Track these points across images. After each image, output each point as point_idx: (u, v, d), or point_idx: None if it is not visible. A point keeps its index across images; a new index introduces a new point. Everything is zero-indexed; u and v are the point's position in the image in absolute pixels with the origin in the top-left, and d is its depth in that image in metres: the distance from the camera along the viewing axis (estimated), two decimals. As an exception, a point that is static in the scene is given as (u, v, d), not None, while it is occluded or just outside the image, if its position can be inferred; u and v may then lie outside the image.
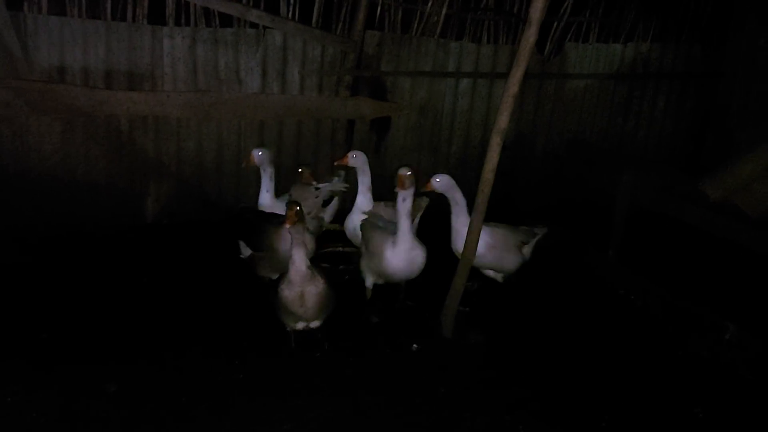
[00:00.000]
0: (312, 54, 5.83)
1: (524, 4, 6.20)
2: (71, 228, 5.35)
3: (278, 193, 4.98)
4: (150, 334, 3.99)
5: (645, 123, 7.31)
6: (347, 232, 4.84)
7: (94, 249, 5.13)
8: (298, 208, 3.57)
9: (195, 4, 5.40)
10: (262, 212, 4.75)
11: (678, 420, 3.50)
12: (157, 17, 5.37)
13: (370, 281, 4.36)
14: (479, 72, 6.42)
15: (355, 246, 4.83)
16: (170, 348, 3.85)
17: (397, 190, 4.07)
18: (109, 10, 5.22)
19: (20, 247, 4.98)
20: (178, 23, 5.43)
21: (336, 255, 5.16)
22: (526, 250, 4.59)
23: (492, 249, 4.37)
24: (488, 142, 3.79)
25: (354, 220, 4.72)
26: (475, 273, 4.54)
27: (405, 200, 4.07)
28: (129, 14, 5.28)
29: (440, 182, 4.32)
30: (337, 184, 4.93)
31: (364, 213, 4.59)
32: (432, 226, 4.62)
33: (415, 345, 4.06)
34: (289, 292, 3.61)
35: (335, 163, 4.80)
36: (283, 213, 4.49)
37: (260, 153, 4.78)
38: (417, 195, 4.52)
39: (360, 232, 4.53)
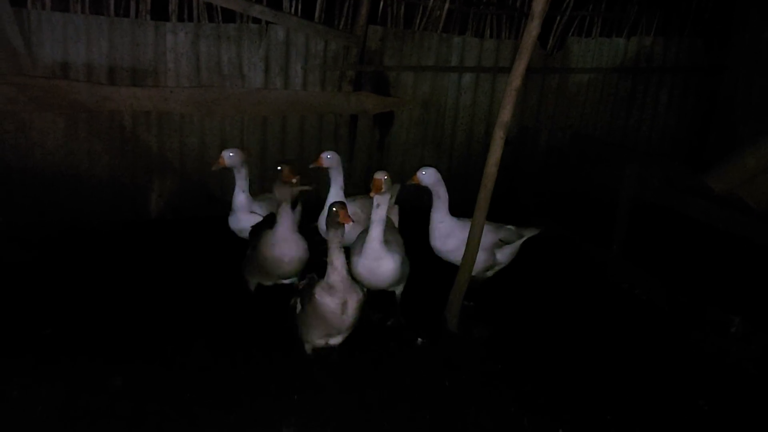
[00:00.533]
0: (315, 49, 5.82)
1: (527, -2, 6.20)
2: (75, 224, 5.37)
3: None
4: (155, 330, 3.99)
5: (648, 117, 7.30)
6: (322, 233, 4.60)
7: (99, 245, 5.13)
8: (343, 210, 3.27)
9: (198, 0, 5.40)
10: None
11: (683, 413, 3.50)
12: (160, 13, 5.37)
13: None
14: (482, 66, 6.41)
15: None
16: (175, 344, 3.85)
17: (372, 194, 3.86)
18: (112, 6, 5.23)
19: (25, 243, 4.99)
20: (181, 19, 5.43)
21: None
22: (505, 252, 4.45)
23: (464, 245, 4.17)
24: (491, 137, 3.79)
25: (323, 218, 4.44)
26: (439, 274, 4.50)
27: (379, 206, 3.85)
28: (132, 10, 5.29)
29: (426, 175, 4.23)
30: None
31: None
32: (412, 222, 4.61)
33: (420, 339, 4.06)
34: (330, 301, 3.27)
35: (310, 166, 4.59)
36: (260, 214, 4.53)
37: (231, 154, 4.52)
38: (403, 187, 4.55)
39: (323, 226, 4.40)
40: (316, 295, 3.29)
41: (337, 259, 3.28)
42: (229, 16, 5.53)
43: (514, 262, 4.64)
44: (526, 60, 3.62)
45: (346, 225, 3.27)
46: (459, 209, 4.88)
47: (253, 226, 4.34)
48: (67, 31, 5.18)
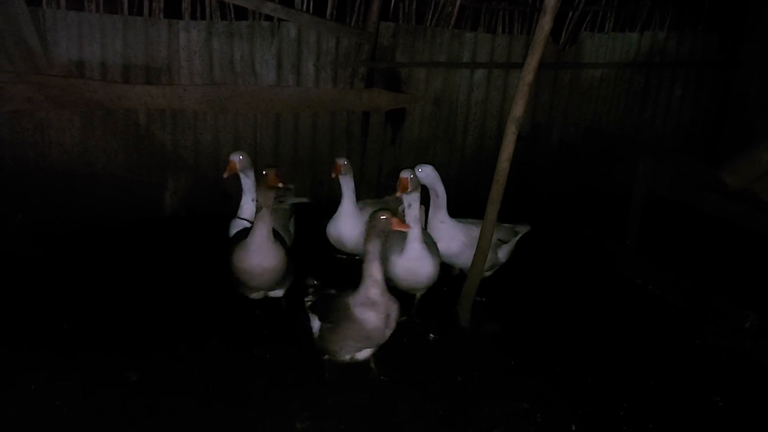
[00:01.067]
0: (326, 46, 5.84)
1: (539, -6, 6.18)
2: (92, 221, 5.43)
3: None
4: (169, 325, 4.04)
5: (662, 112, 7.25)
6: (331, 239, 4.61)
7: (114, 241, 5.19)
8: (395, 218, 3.15)
9: (210, -2, 5.44)
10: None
11: (696, 408, 3.49)
12: (173, 11, 5.41)
13: None
14: (494, 62, 6.40)
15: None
16: (189, 339, 3.90)
17: (398, 194, 3.84)
18: (126, 5, 5.26)
19: (41, 240, 5.06)
20: (193, 17, 5.46)
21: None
22: (504, 250, 4.45)
23: (466, 248, 4.22)
24: (504, 133, 3.79)
25: (340, 227, 4.51)
26: (448, 270, 4.52)
27: (411, 205, 3.85)
28: (145, 9, 5.33)
29: (423, 173, 4.16)
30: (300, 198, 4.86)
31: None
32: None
33: (432, 335, 4.07)
34: (374, 317, 3.12)
35: (333, 175, 4.44)
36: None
37: (240, 157, 4.26)
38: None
39: (346, 236, 4.44)
40: (356, 313, 3.11)
41: (377, 271, 3.11)
42: (241, 13, 5.56)
43: (525, 258, 4.64)
44: (539, 55, 3.61)
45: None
46: (471, 206, 4.90)
47: (231, 236, 4.13)
48: (82, 30, 5.23)
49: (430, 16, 6.09)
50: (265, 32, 5.65)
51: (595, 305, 4.59)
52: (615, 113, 7.07)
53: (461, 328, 4.15)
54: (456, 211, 4.51)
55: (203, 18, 5.48)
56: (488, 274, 4.45)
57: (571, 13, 6.46)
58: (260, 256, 3.58)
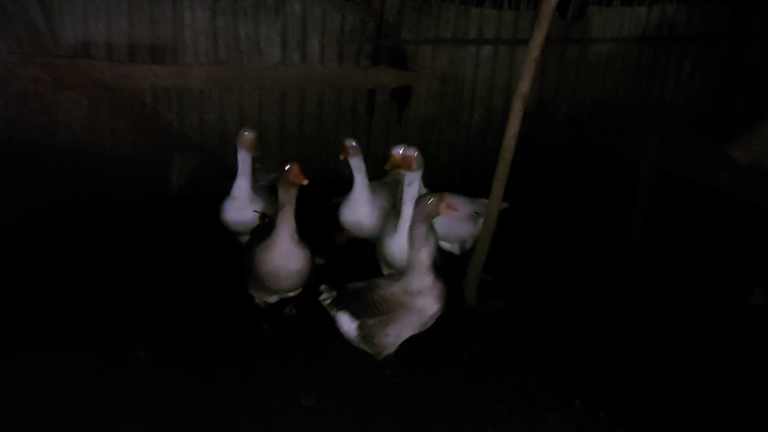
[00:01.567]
0: (332, 23, 5.80)
1: (547, -32, 6.07)
2: (100, 201, 5.45)
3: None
4: (177, 303, 4.08)
5: (671, 87, 7.16)
6: (348, 224, 4.48)
7: (122, 221, 5.23)
8: (444, 201, 3.11)
9: (214, -24, 5.41)
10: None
11: (702, 384, 3.50)
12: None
13: (385, 269, 4.16)
14: (501, 38, 6.33)
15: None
16: (198, 316, 3.94)
17: (402, 172, 3.80)
18: (130, -16, 5.25)
19: (51, 219, 5.10)
20: (198, -5, 5.44)
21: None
22: (480, 223, 4.35)
23: (451, 227, 4.20)
24: (510, 110, 3.77)
25: (358, 212, 4.36)
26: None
27: (411, 184, 3.77)
28: (150, -13, 5.31)
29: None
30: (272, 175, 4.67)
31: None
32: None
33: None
34: (430, 301, 3.13)
35: (341, 157, 4.29)
36: (257, 209, 4.16)
37: (247, 134, 4.25)
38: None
39: (365, 221, 4.35)
40: (414, 302, 3.10)
41: (426, 257, 3.07)
42: (245, -9, 5.53)
43: (531, 236, 4.62)
44: (545, 30, 3.58)
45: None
46: (477, 183, 4.88)
47: (252, 231, 3.98)
48: (88, 10, 5.22)
49: (435, -8, 6.03)
50: (270, 10, 5.62)
51: (601, 282, 4.60)
52: (623, 89, 6.99)
53: (467, 305, 4.17)
54: (461, 188, 4.51)
55: (207, -4, 5.46)
56: (468, 246, 4.44)
57: (579, -12, 6.37)
58: (286, 258, 3.44)
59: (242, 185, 4.26)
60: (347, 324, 3.29)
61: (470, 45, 6.29)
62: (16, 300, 4.03)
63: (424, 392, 3.34)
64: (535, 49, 3.63)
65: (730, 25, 7.06)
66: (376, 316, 3.16)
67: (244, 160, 4.27)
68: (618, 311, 4.22)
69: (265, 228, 3.70)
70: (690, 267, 4.56)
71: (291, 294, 3.75)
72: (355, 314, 3.25)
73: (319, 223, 4.92)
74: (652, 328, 4.02)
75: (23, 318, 3.84)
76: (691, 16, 6.90)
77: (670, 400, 3.35)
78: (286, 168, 3.36)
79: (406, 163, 3.80)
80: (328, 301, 3.39)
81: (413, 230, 3.10)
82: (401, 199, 3.86)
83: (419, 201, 3.12)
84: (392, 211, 4.14)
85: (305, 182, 3.36)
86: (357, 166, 4.29)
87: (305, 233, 3.54)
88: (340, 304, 3.33)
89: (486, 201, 4.44)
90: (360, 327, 3.23)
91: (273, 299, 3.78)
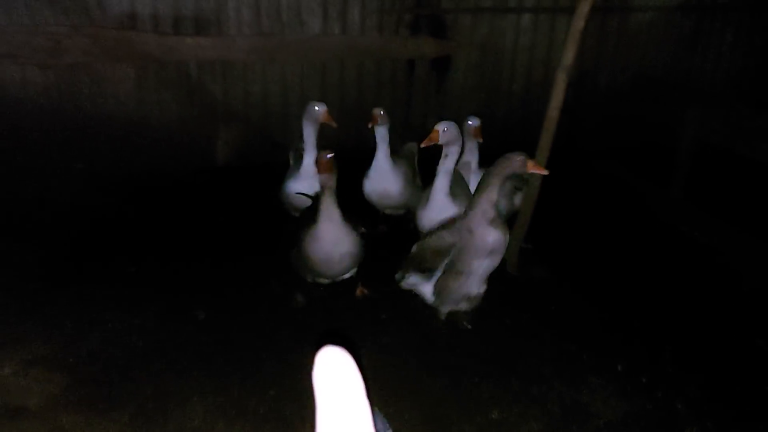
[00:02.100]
0: (372, -8, 5.83)
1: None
2: (148, 171, 5.63)
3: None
4: (231, 269, 4.25)
5: (713, 57, 7.06)
6: (373, 196, 4.46)
7: (171, 190, 5.41)
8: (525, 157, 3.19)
9: (258, -53, 5.46)
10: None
11: (740, 350, 3.58)
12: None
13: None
14: (541, 7, 6.29)
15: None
16: (251, 280, 4.12)
17: (442, 143, 3.76)
18: (175, -44, 5.33)
19: (103, 189, 5.31)
20: (241, -34, 5.51)
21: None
22: (519, 197, 4.38)
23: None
24: (551, 80, 3.81)
25: (384, 182, 4.34)
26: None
27: (447, 156, 3.78)
28: (195, -41, 5.39)
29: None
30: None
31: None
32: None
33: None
34: (492, 232, 3.21)
35: (369, 125, 4.26)
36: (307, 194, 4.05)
37: (316, 107, 4.20)
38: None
39: (392, 189, 4.35)
40: (478, 231, 3.17)
41: (490, 207, 3.17)
42: (288, -39, 5.58)
43: (571, 206, 4.66)
44: (591, 0, 3.59)
45: None
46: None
47: (300, 213, 3.95)
48: (134, -18, 5.34)
49: (476, -39, 6.00)
50: (312, -21, 5.67)
51: (640, 251, 4.65)
52: (664, 59, 6.91)
53: (508, 274, 4.27)
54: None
55: (251, -33, 5.52)
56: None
57: (621, -45, 6.28)
58: (333, 242, 3.45)
59: (309, 161, 4.18)
60: (426, 289, 3.47)
61: (510, 13, 6.27)
62: (75, 264, 4.25)
63: (471, 355, 3.48)
64: (579, 19, 3.64)
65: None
66: (442, 266, 3.32)
67: (307, 132, 4.24)
68: (657, 279, 4.28)
69: (309, 212, 3.71)
70: (728, 236, 4.60)
71: (346, 276, 3.83)
72: (425, 274, 3.43)
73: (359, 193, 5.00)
74: (691, 296, 4.09)
75: (86, 280, 4.06)
76: (735, -17, 6.77)
77: (709, 368, 3.44)
78: (320, 154, 3.34)
79: (432, 137, 3.79)
80: (400, 278, 3.60)
81: (490, 177, 3.14)
82: (417, 171, 3.88)
83: (506, 156, 3.17)
84: (420, 185, 4.16)
85: (333, 175, 3.32)
86: (382, 135, 4.28)
87: (348, 209, 3.57)
88: (410, 266, 3.51)
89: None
90: (435, 284, 3.40)
91: (325, 281, 3.87)
